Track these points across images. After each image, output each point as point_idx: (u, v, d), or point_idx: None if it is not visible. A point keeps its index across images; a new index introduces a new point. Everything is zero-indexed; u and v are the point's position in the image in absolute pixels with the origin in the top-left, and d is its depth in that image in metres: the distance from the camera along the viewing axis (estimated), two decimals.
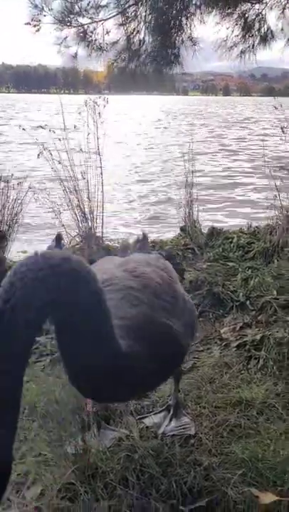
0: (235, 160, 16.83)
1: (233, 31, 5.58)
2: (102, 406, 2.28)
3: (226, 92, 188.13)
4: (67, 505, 1.73)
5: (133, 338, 1.65)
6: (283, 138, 5.00)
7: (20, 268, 1.11)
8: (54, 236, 3.90)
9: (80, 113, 4.79)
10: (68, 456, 1.92)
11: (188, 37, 5.52)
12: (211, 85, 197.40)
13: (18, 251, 4.88)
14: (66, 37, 5.63)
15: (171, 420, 2.20)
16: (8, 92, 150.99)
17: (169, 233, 5.87)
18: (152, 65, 6.01)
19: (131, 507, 1.71)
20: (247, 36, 5.52)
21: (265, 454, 1.96)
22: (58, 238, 3.86)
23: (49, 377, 2.56)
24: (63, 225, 4.23)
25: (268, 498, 1.76)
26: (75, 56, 5.80)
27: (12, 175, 4.28)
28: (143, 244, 2.37)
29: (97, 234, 4.27)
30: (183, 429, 2.15)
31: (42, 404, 2.27)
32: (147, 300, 1.81)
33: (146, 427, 2.20)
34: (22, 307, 1.06)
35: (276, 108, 5.36)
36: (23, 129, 4.46)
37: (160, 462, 1.91)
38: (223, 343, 3.06)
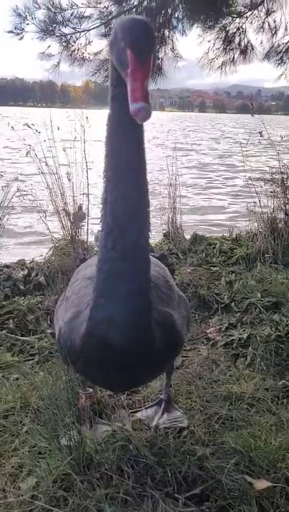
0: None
1: (214, 44, 5.73)
2: (95, 400, 2.28)
3: (202, 108, 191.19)
4: (63, 495, 1.72)
5: None
6: None
7: None
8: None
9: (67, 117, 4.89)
10: (63, 448, 1.91)
11: (171, 48, 5.64)
12: (187, 101, 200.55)
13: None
14: (49, 46, 5.70)
15: (163, 413, 2.22)
16: None
17: (151, 239, 5.90)
18: None
19: (127, 495, 1.71)
20: (228, 49, 5.67)
21: (257, 444, 2.00)
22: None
23: (40, 373, 2.55)
24: (48, 229, 4.22)
25: (261, 484, 1.79)
26: (57, 65, 5.86)
27: (1, 175, 4.26)
28: None
29: (82, 237, 4.28)
30: (175, 421, 2.17)
31: (34, 400, 2.26)
32: None
33: (139, 420, 2.21)
34: None
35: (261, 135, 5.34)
36: (12, 127, 4.46)
37: (154, 452, 1.92)
38: (210, 343, 3.10)
